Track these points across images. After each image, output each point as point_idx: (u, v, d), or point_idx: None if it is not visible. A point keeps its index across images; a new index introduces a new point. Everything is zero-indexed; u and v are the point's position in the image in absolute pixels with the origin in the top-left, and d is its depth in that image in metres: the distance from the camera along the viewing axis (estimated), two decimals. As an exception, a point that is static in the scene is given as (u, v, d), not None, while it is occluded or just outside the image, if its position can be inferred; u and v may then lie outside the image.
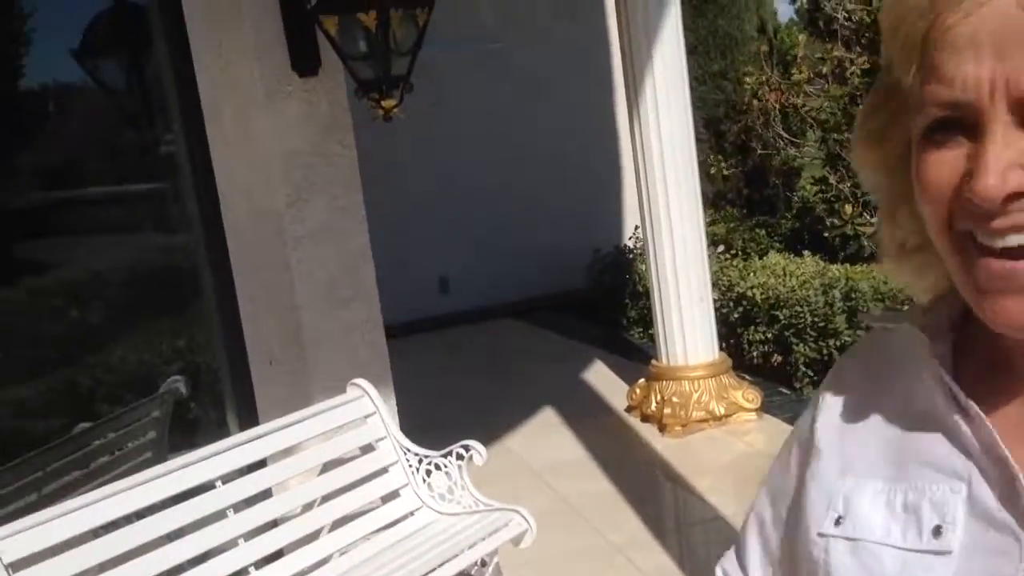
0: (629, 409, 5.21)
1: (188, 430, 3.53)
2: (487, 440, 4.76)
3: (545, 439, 5.01)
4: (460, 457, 3.19)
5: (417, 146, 7.05)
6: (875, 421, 0.77)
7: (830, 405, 0.81)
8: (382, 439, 3.23)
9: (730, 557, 0.88)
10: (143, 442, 3.40)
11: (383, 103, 2.84)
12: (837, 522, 0.75)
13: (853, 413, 0.79)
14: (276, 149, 3.06)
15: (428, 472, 3.24)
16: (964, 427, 0.70)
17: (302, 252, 3.11)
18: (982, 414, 0.69)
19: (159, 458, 3.21)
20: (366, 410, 3.21)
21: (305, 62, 3.00)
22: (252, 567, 2.84)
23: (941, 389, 0.72)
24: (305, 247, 3.12)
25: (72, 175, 3.73)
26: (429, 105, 6.88)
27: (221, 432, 3.28)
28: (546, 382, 5.79)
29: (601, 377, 5.87)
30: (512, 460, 4.76)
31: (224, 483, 2.86)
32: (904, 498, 0.72)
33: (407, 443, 3.25)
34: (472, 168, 7.36)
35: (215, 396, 3.51)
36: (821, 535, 0.76)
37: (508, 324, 7.33)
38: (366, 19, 2.85)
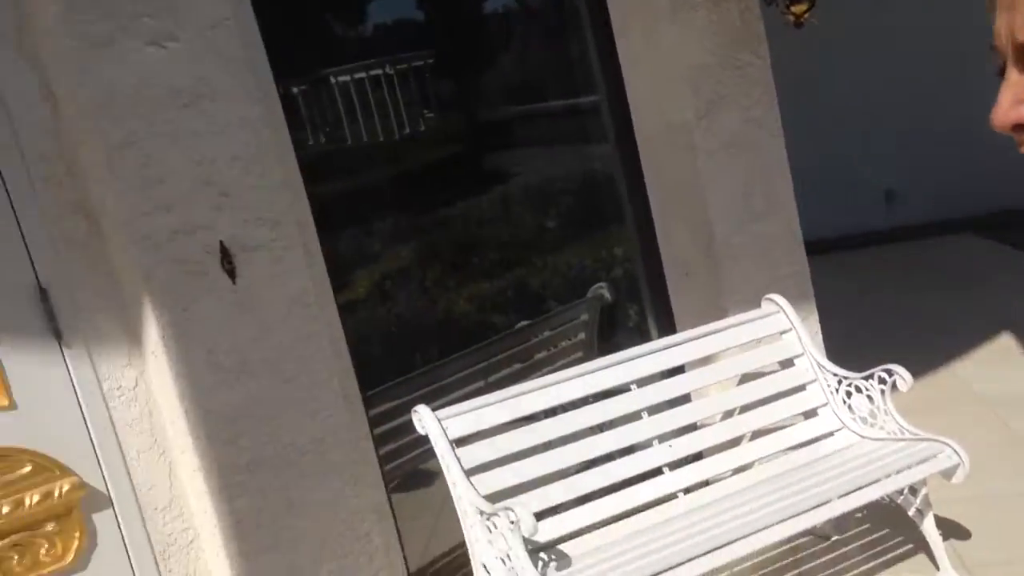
0: (1113, 342, 4.51)
1: (614, 334, 3.77)
2: (933, 365, 4.46)
3: (1002, 369, 4.53)
4: (883, 381, 3.03)
5: (861, 52, 6.55)
6: None
7: None
8: (799, 356, 3.18)
9: None
10: (575, 342, 3.70)
11: (793, 9, 2.71)
12: None
13: None
14: (685, 61, 3.05)
15: (848, 394, 3.13)
16: None
17: (713, 165, 3.10)
18: None
19: (588, 358, 3.47)
20: (781, 326, 3.17)
21: (716, -29, 2.96)
22: (667, 467, 3.00)
23: None
24: (716, 160, 3.11)
25: (523, 91, 4.08)
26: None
27: (642, 338, 3.44)
28: (1009, 306, 5.18)
29: (1080, 303, 5.13)
30: (960, 389, 4.39)
31: (639, 387, 3.03)
32: None
33: (825, 362, 3.16)
34: (923, 72, 6.64)
35: (636, 304, 3.68)
36: None
37: (966, 240, 6.60)
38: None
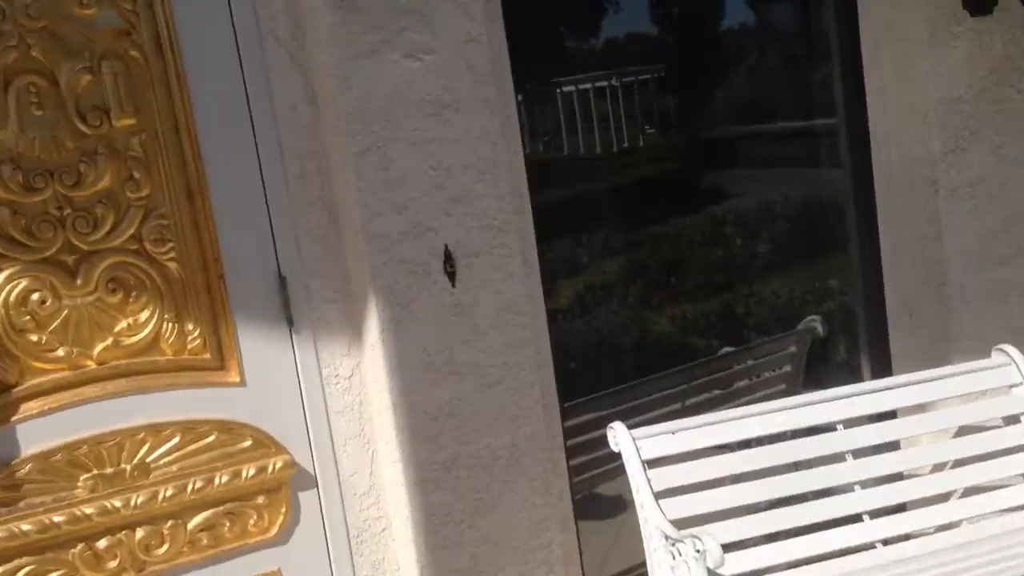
0: None
1: (821, 370, 3.64)
2: None
3: None
4: (1121, 448, 2.77)
5: None
6: None
7: None
8: (1028, 413, 2.96)
9: None
10: (779, 374, 3.60)
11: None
12: None
13: None
14: (936, 93, 2.92)
15: (1081, 458, 2.89)
16: None
17: (956, 203, 2.95)
18: None
19: (792, 391, 3.37)
20: (1011, 379, 2.95)
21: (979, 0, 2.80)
22: (867, 515, 2.86)
23: None
24: (960, 198, 2.95)
25: (748, 112, 4.02)
26: None
27: (852, 378, 3.31)
28: None
29: None
30: None
31: (846, 427, 2.90)
32: None
33: (1056, 423, 2.93)
34: None
35: (850, 341, 3.55)
36: None
37: None
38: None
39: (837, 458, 2.88)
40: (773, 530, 2.80)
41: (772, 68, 4.01)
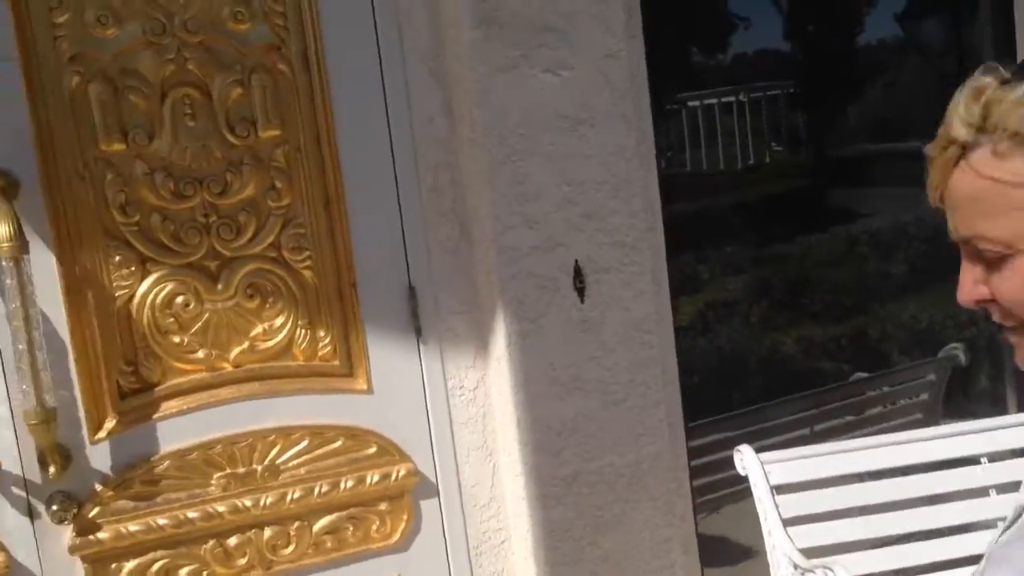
0: None
1: (962, 400, 3.48)
2: None
3: None
4: None
5: None
6: None
7: None
8: None
9: None
10: (915, 402, 3.46)
11: None
12: None
13: None
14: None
15: None
16: None
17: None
18: None
19: (929, 421, 3.23)
20: None
21: None
22: (1010, 554, 2.72)
23: None
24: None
25: (883, 129, 3.89)
26: None
27: (996, 409, 3.15)
28: None
29: None
30: None
31: (991, 461, 2.77)
32: None
33: None
34: None
35: (995, 371, 3.38)
36: None
37: None
38: None
39: (980, 493, 2.76)
40: (907, 565, 2.70)
41: (911, 84, 3.87)
